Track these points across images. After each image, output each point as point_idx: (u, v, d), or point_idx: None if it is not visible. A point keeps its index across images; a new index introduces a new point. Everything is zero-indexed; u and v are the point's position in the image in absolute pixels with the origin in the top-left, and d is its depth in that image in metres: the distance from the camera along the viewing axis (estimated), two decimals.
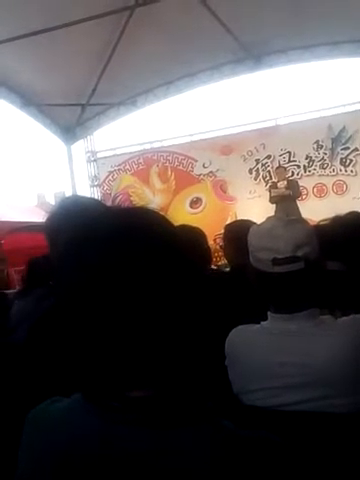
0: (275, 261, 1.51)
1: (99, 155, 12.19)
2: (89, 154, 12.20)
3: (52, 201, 12.00)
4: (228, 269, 3.44)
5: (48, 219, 1.54)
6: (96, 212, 0.82)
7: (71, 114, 11.05)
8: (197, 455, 0.71)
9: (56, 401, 0.84)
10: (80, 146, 12.21)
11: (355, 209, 2.90)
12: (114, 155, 12.03)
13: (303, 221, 1.75)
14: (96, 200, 1.64)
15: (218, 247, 6.83)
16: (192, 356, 0.81)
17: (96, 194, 11.93)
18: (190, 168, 11.35)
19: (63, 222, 1.36)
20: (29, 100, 10.41)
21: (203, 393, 0.81)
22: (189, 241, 2.26)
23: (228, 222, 9.99)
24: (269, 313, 1.61)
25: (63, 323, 0.77)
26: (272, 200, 9.75)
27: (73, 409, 0.79)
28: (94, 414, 0.76)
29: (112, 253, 0.73)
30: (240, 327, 1.70)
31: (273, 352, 1.55)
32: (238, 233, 2.53)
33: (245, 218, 3.62)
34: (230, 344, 1.69)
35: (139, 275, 0.72)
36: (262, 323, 1.63)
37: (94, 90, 10.14)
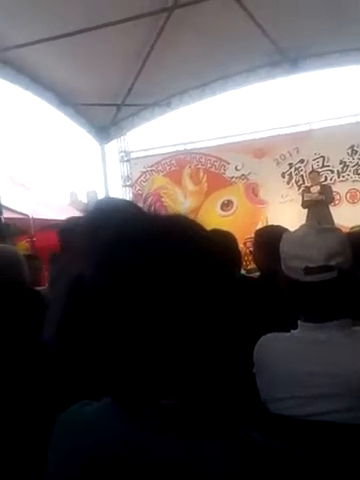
0: (307, 270, 1.50)
1: (132, 155, 12.26)
2: (122, 154, 12.27)
3: (84, 200, 12.10)
4: (258, 274, 3.42)
5: (83, 220, 1.55)
6: (130, 214, 0.82)
7: (106, 114, 11.14)
8: (222, 466, 0.70)
9: (86, 404, 0.84)
10: (113, 146, 12.30)
11: None
12: (147, 156, 12.07)
13: (336, 229, 1.73)
14: (130, 202, 1.65)
15: (248, 251, 6.80)
16: (222, 364, 0.80)
17: (128, 194, 12.00)
18: (222, 170, 11.32)
19: (97, 223, 1.36)
20: (65, 99, 10.53)
21: (232, 402, 0.80)
22: (220, 245, 2.26)
23: (259, 226, 9.98)
24: (299, 322, 1.59)
25: (92, 325, 0.77)
26: (304, 205, 9.66)
27: (102, 413, 0.79)
28: (122, 419, 0.76)
29: (145, 256, 0.73)
30: (269, 335, 1.68)
31: (302, 361, 1.54)
32: (269, 238, 2.52)
33: (276, 222, 3.60)
34: (259, 351, 1.68)
35: (172, 279, 0.72)
36: (292, 331, 1.61)
37: (130, 90, 10.20)
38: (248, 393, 1.65)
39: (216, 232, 2.41)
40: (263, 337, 1.69)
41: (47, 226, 9.82)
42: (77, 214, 8.96)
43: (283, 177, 10.99)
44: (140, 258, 0.73)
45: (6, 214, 8.67)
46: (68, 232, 2.90)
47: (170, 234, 0.76)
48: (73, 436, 0.80)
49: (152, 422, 0.74)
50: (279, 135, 11.18)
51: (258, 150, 11.06)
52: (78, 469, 0.77)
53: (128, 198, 11.73)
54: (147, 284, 0.72)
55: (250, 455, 0.71)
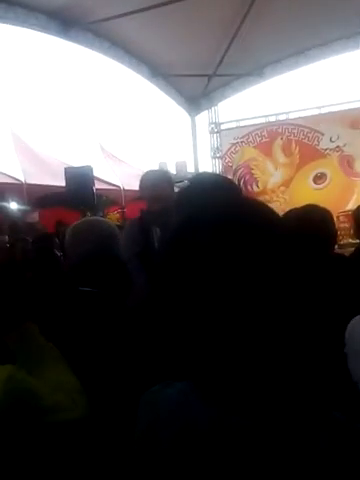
0: None
1: (222, 127, 12.13)
2: (212, 125, 12.18)
3: (173, 170, 12.19)
4: (351, 250, 3.28)
5: (179, 192, 1.56)
6: (216, 196, 0.83)
7: (197, 85, 11.07)
8: (306, 448, 0.68)
9: (167, 385, 0.83)
10: (204, 117, 12.23)
11: None
12: (237, 127, 11.89)
13: None
14: (227, 181, 1.63)
15: (341, 226, 6.57)
16: (311, 344, 0.76)
17: (217, 166, 11.93)
18: (316, 142, 10.94)
19: (184, 203, 1.35)
20: (157, 71, 10.58)
21: (319, 382, 0.77)
22: (315, 224, 2.17)
23: (354, 200, 9.57)
24: None
25: (171, 305, 0.76)
26: None
27: (185, 395, 0.78)
28: (207, 403, 0.74)
29: (224, 237, 0.72)
30: None
31: None
32: None
33: None
34: (351, 332, 1.60)
35: (253, 261, 0.71)
36: None
37: (221, 61, 10.05)
38: (338, 373, 1.60)
39: (311, 207, 2.32)
40: (357, 317, 1.61)
41: (137, 197, 10.01)
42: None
43: None
44: (219, 239, 0.72)
45: (98, 185, 8.91)
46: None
47: (252, 218, 0.76)
48: (158, 419, 0.80)
49: (237, 406, 0.71)
50: None
51: (355, 120, 10.56)
52: (164, 451, 0.76)
53: (217, 169, 11.69)
54: (226, 263, 0.71)
55: (333, 434, 0.69)
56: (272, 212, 0.80)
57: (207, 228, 0.74)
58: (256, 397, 0.71)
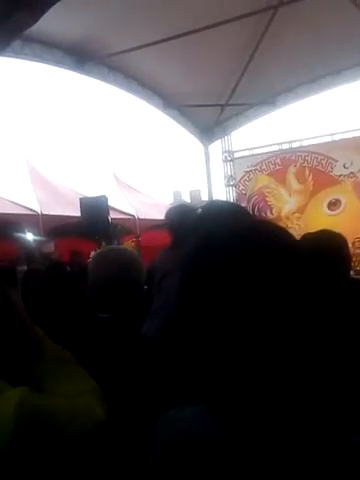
0: None
1: (236, 155, 12.21)
2: (226, 154, 12.27)
3: (188, 199, 12.25)
4: None
5: (193, 221, 1.58)
6: (230, 220, 0.84)
7: (210, 114, 11.20)
8: (324, 475, 0.68)
9: (183, 409, 0.83)
10: (217, 145, 12.33)
11: None
12: (251, 155, 11.97)
13: None
14: (239, 208, 1.65)
15: (357, 252, 6.53)
16: (325, 368, 0.76)
17: (231, 194, 11.98)
18: (329, 168, 10.96)
19: (199, 228, 1.36)
20: (170, 102, 10.72)
21: (334, 406, 0.76)
22: (329, 247, 2.17)
23: None
24: None
25: (189, 328, 0.77)
26: None
27: (200, 418, 0.78)
28: (220, 424, 0.74)
29: (240, 260, 0.73)
30: None
31: None
32: None
33: None
34: None
35: (268, 283, 0.71)
36: None
37: (234, 90, 10.17)
38: (357, 397, 1.57)
39: (325, 233, 2.31)
40: None
41: (152, 226, 10.06)
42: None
43: None
44: (235, 262, 0.73)
45: (113, 215, 8.97)
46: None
47: (266, 240, 0.76)
48: (173, 442, 0.80)
49: (249, 428, 0.71)
50: None
51: None
52: (178, 475, 0.76)
53: (231, 197, 11.73)
54: (242, 286, 0.71)
55: (347, 456, 0.69)
56: (287, 234, 0.80)
57: (223, 252, 0.74)
58: (270, 420, 0.71)
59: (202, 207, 1.69)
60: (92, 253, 7.28)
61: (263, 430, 0.71)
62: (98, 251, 2.00)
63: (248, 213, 1.54)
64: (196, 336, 0.75)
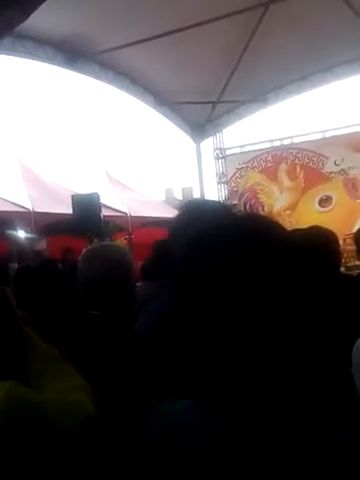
0: None
1: (227, 152, 12.23)
2: (217, 151, 12.28)
3: (179, 197, 12.26)
4: (358, 271, 3.28)
5: (174, 222, 1.58)
6: (220, 216, 0.84)
7: (201, 112, 11.20)
8: (314, 468, 0.69)
9: (174, 402, 0.85)
10: (209, 143, 12.34)
11: None
12: (242, 152, 12.00)
13: None
14: (221, 204, 1.66)
15: (348, 248, 6.56)
16: (314, 363, 0.77)
17: (223, 191, 12.00)
18: (320, 165, 11.01)
19: (188, 226, 1.37)
20: (161, 99, 10.71)
21: (324, 402, 0.77)
22: (319, 243, 2.19)
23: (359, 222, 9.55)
24: None
25: (183, 323, 0.78)
26: None
27: (189, 412, 0.79)
28: (209, 417, 0.75)
29: (234, 254, 0.73)
30: None
31: None
32: None
33: None
34: (358, 352, 1.60)
35: (261, 276, 0.72)
36: None
37: (225, 87, 10.18)
38: (345, 393, 1.59)
39: (315, 229, 2.33)
40: None
41: (144, 223, 10.05)
42: (172, 211, 9.09)
43: None
44: (229, 256, 0.73)
45: (105, 212, 8.96)
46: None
47: (252, 233, 0.77)
48: (165, 436, 0.81)
49: (239, 423, 0.72)
50: None
51: (359, 144, 10.63)
52: (170, 467, 0.77)
53: (223, 195, 11.75)
54: (236, 280, 0.72)
55: (336, 449, 0.70)
56: (279, 228, 0.81)
57: (216, 248, 0.75)
58: (260, 414, 0.72)
59: (185, 206, 1.68)
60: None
61: (254, 423, 0.72)
62: (88, 248, 1.99)
63: (232, 208, 1.55)
64: (189, 331, 0.76)
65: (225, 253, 0.74)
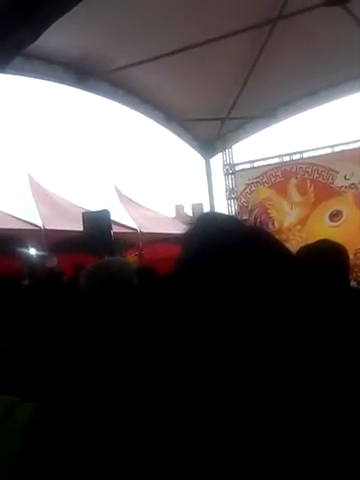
0: None
1: (237, 168, 12.26)
2: (227, 167, 12.31)
3: (190, 212, 12.28)
4: None
5: (184, 239, 1.60)
6: (217, 226, 0.85)
7: (211, 128, 11.26)
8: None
9: (177, 413, 0.85)
10: (218, 159, 12.39)
11: None
12: (252, 167, 12.02)
13: None
14: (233, 217, 1.67)
15: (358, 262, 6.53)
16: (323, 378, 0.77)
17: (233, 207, 12.01)
18: (330, 180, 10.99)
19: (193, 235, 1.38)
20: (171, 116, 10.79)
21: None
22: (328, 256, 2.18)
23: None
24: None
25: (178, 333, 0.78)
26: None
27: (185, 426, 0.79)
28: (202, 433, 0.75)
29: (230, 264, 0.74)
30: None
31: None
32: None
33: None
34: None
35: (258, 285, 0.72)
36: None
37: (234, 104, 10.24)
38: (354, 405, 1.57)
39: (325, 243, 2.33)
40: None
41: (154, 240, 10.08)
42: (182, 227, 9.10)
43: None
44: (224, 266, 0.74)
45: (115, 229, 9.00)
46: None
47: (254, 240, 0.78)
48: (167, 447, 0.82)
49: (232, 440, 0.72)
50: None
51: None
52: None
53: (233, 210, 11.75)
54: (232, 289, 0.72)
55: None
56: (275, 239, 0.81)
57: (213, 254, 0.75)
58: (253, 433, 0.71)
59: (191, 222, 1.69)
60: None
61: (242, 444, 0.71)
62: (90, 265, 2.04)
63: (242, 221, 1.56)
64: (187, 339, 0.76)
65: (221, 258, 0.74)
